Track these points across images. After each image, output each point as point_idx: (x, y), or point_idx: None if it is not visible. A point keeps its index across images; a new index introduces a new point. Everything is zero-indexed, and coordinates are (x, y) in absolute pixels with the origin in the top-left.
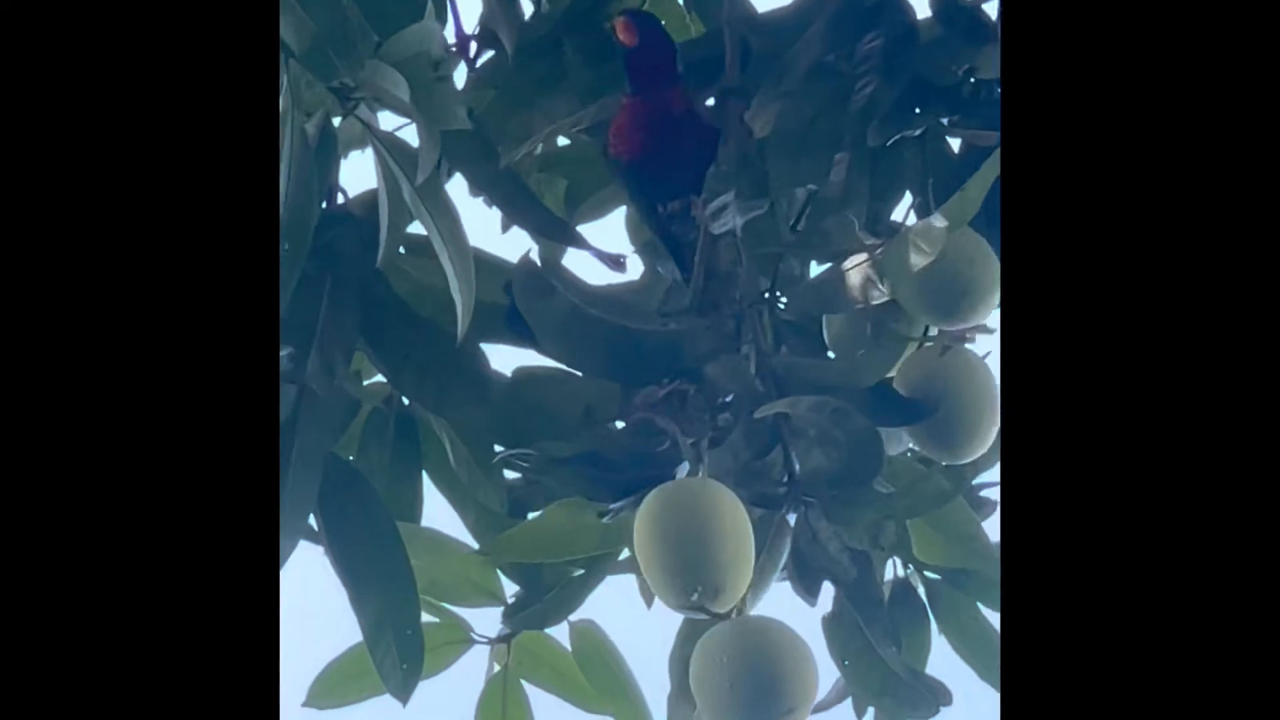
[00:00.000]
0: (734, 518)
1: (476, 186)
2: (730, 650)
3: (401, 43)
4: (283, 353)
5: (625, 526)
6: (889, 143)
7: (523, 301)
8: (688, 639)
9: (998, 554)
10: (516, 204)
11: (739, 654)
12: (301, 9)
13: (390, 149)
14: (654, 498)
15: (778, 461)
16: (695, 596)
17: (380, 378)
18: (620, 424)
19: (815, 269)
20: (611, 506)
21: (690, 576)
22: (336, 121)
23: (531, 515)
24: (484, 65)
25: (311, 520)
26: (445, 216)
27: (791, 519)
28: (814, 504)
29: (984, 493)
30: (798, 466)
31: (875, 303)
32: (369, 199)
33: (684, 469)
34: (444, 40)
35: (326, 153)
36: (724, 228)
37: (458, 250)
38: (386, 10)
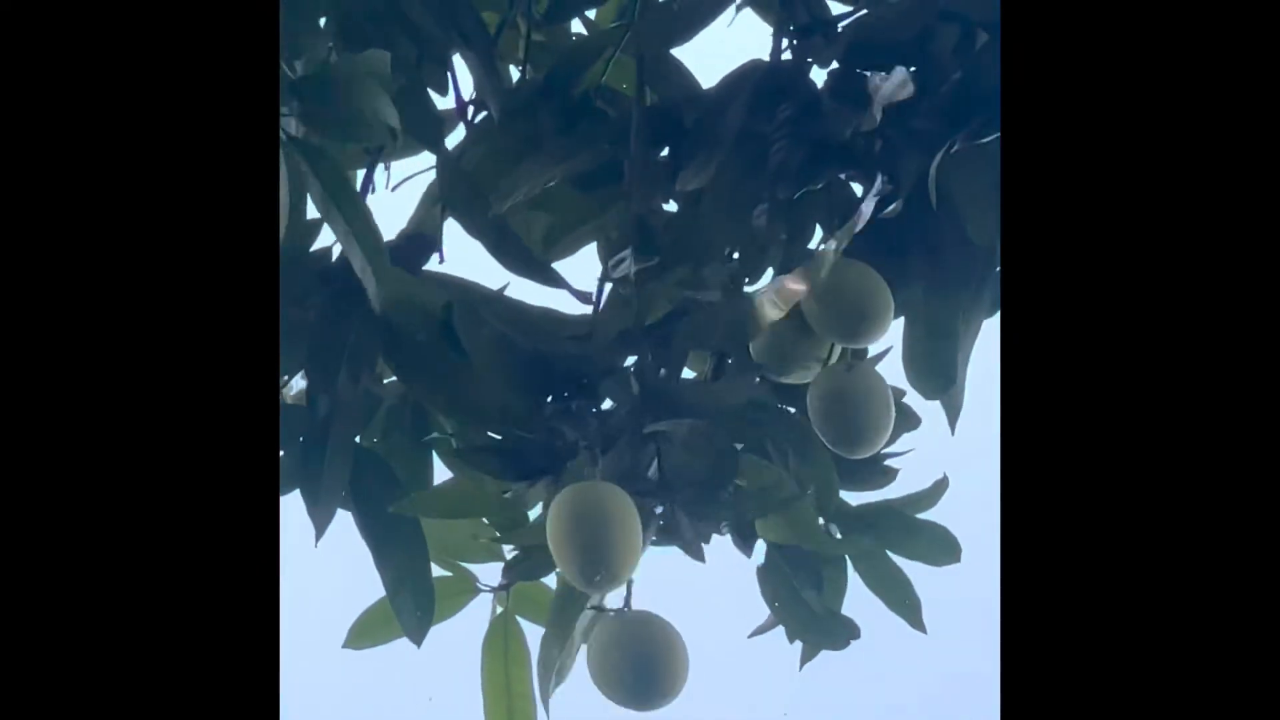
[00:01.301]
0: (627, 514)
1: (470, 231)
2: (618, 642)
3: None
4: (287, 381)
5: (521, 503)
6: (797, 196)
7: (459, 325)
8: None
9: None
10: (503, 247)
11: (626, 645)
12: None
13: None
14: (562, 498)
15: (652, 464)
16: (598, 578)
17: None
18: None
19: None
20: (513, 485)
21: (594, 562)
22: None
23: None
24: (476, 126)
25: None
26: (355, 214)
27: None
28: (678, 499)
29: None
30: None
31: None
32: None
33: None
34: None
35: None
36: (620, 274)
37: (368, 242)
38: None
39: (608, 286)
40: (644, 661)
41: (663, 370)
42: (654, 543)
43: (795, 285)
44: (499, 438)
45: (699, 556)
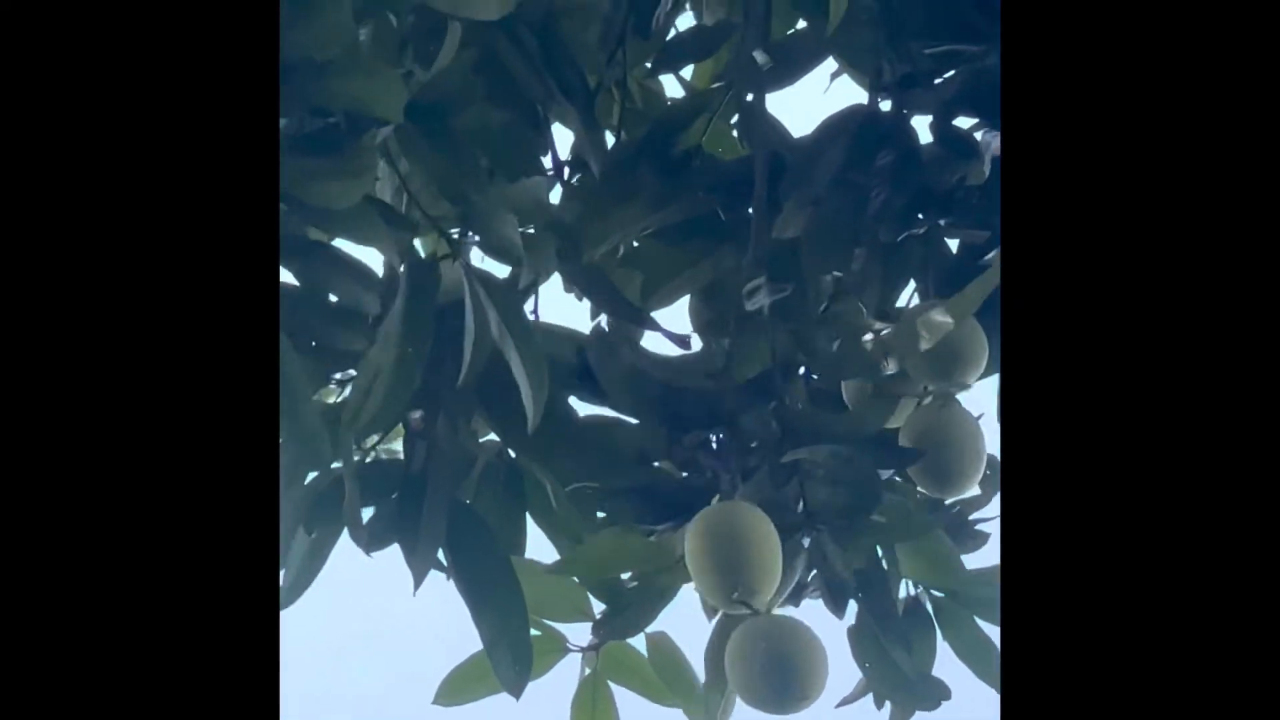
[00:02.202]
0: (765, 532)
1: (569, 282)
2: (759, 640)
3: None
4: (414, 415)
5: (670, 546)
6: (898, 239)
7: (594, 360)
8: (720, 635)
9: (976, 574)
10: (601, 295)
11: (766, 644)
12: (427, 146)
13: (482, 283)
14: (701, 517)
15: (796, 495)
16: (736, 595)
17: (493, 435)
18: (667, 462)
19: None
20: (658, 528)
21: (731, 579)
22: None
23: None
24: (576, 184)
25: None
26: (526, 343)
27: (805, 542)
28: (824, 530)
29: (979, 527)
30: (811, 500)
31: (887, 372)
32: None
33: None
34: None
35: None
36: (755, 306)
37: (534, 368)
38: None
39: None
40: (783, 662)
41: (800, 404)
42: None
43: (940, 318)
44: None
45: (842, 604)
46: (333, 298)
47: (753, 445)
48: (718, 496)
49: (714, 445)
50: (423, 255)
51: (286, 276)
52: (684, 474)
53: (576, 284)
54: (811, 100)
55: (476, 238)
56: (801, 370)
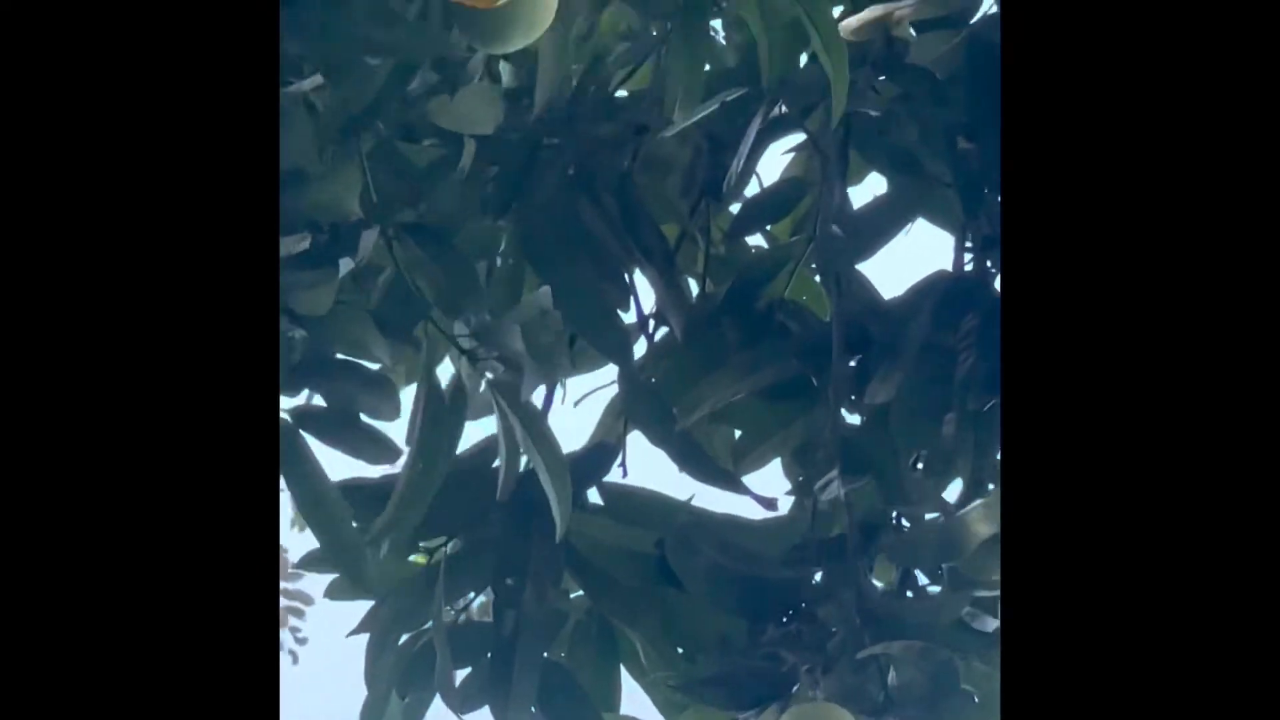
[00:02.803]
0: None
1: (654, 442)
2: None
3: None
4: (509, 582)
5: None
6: (987, 407)
7: (672, 558)
8: None
9: None
10: (688, 458)
11: None
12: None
13: (503, 395)
14: (790, 716)
15: (877, 680)
16: None
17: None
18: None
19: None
20: (740, 717)
21: None
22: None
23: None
24: (659, 340)
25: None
26: (549, 452)
27: None
28: (906, 716)
29: None
30: (892, 686)
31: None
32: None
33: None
34: None
35: (460, 410)
36: (829, 497)
37: (558, 477)
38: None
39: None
40: None
41: (880, 587)
42: None
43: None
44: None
45: None
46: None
47: (833, 632)
48: (798, 686)
49: (794, 634)
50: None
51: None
52: (761, 663)
53: (666, 449)
54: (898, 247)
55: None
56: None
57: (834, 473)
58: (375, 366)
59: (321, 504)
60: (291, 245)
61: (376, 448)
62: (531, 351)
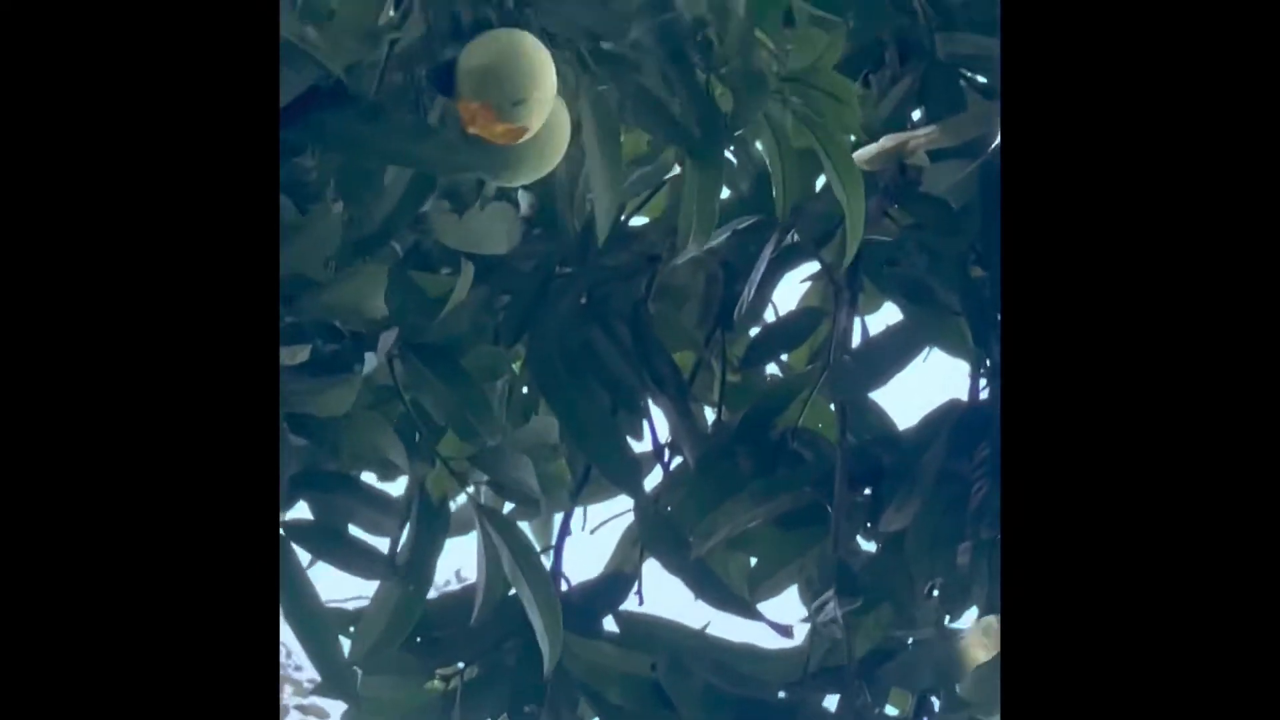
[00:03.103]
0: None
1: (670, 570)
2: None
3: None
4: (526, 709)
5: None
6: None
7: (666, 681)
8: None
9: None
10: (704, 585)
11: None
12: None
13: (493, 521)
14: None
15: None
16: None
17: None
18: None
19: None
20: None
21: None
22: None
23: None
24: (674, 469)
25: None
26: (538, 583)
27: None
28: None
29: None
30: None
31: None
32: None
33: None
34: None
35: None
36: (827, 619)
37: (547, 609)
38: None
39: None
40: None
41: (877, 710)
42: None
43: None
44: None
45: None
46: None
47: None
48: None
49: None
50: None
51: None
52: None
53: (682, 577)
54: (912, 376)
55: (485, 476)
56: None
57: (830, 595)
58: (370, 479)
59: (315, 628)
60: (295, 354)
61: (369, 562)
62: (542, 483)
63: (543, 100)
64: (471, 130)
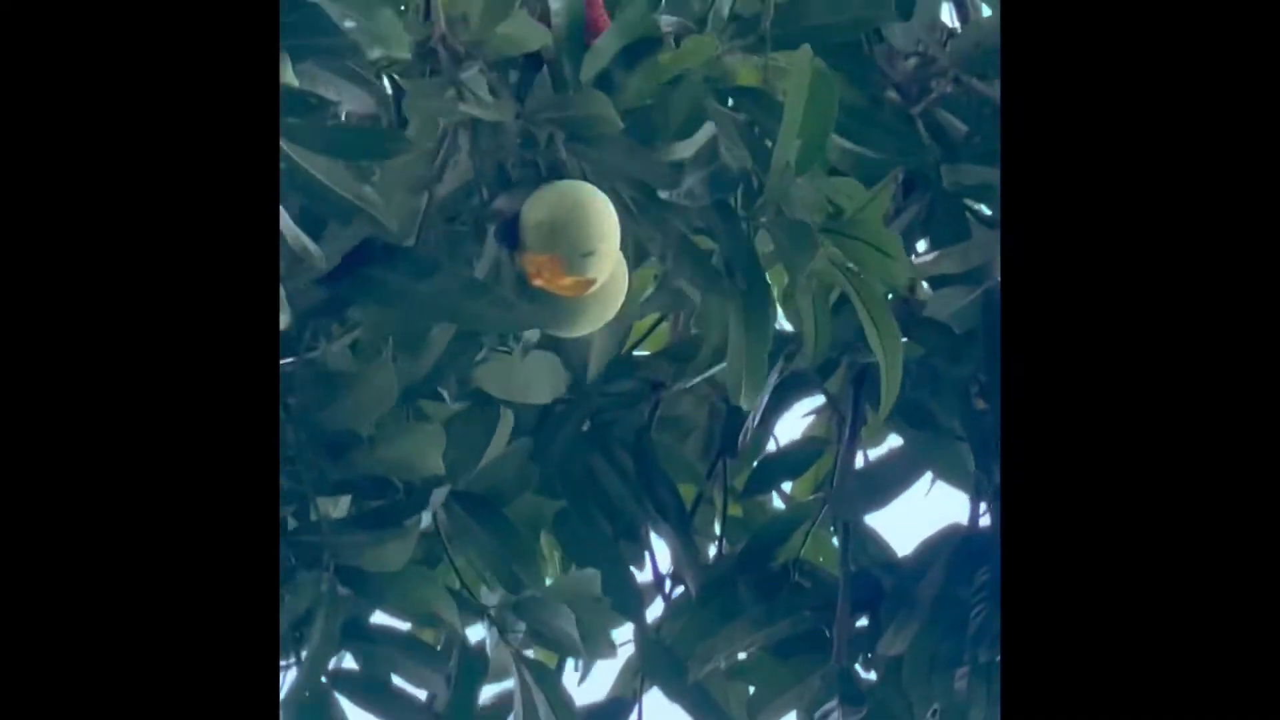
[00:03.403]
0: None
1: (670, 697)
2: None
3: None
4: None
5: None
6: (999, 658)
7: None
8: None
9: None
10: (704, 712)
11: None
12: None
13: (531, 670)
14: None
15: None
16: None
17: None
18: None
19: None
20: None
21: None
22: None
23: None
24: (676, 598)
25: None
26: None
27: None
28: None
29: None
30: None
31: None
32: None
33: None
34: None
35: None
36: None
37: None
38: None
39: None
40: None
41: None
42: None
43: None
44: None
45: None
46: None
47: None
48: None
49: None
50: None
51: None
52: None
53: (680, 702)
54: (914, 502)
55: (523, 625)
56: None
57: (833, 703)
58: (407, 628)
59: None
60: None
61: (411, 712)
62: (583, 633)
63: (609, 252)
64: (537, 283)
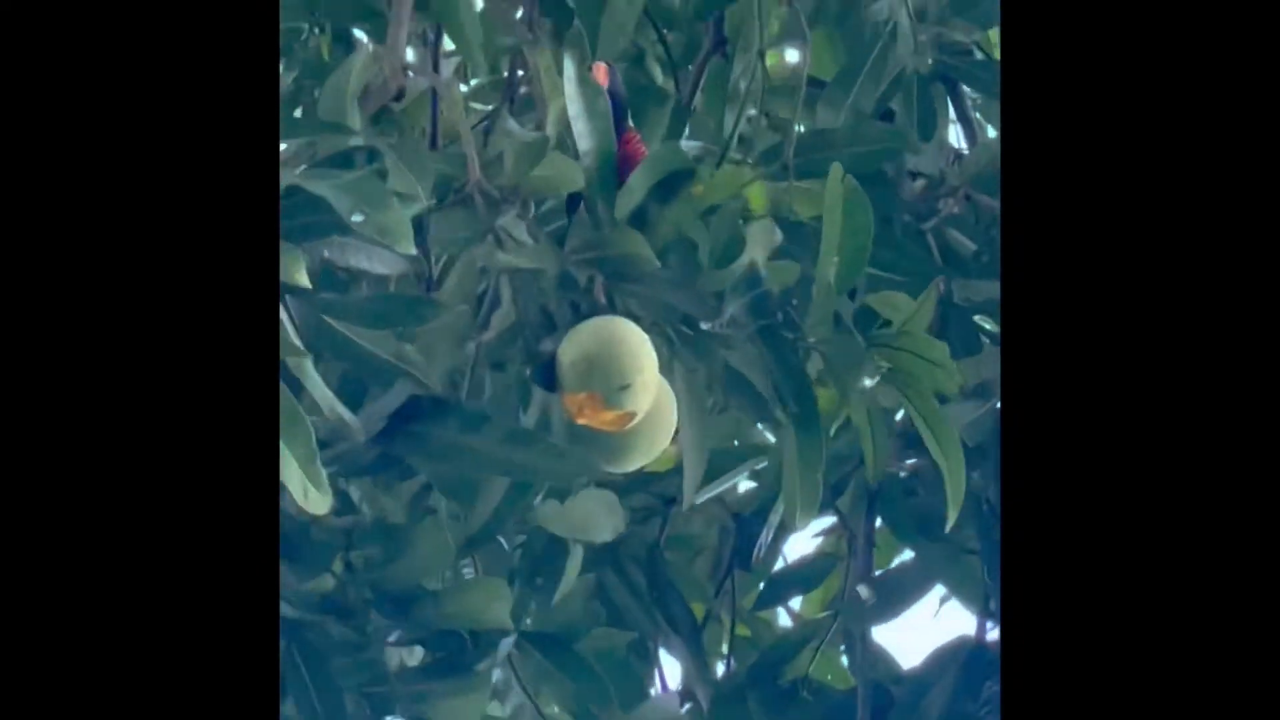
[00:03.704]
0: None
1: None
2: None
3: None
4: None
5: None
6: None
7: None
8: None
9: None
10: None
11: None
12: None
13: None
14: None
15: None
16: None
17: None
18: None
19: None
20: None
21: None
22: None
23: None
24: (685, 714)
25: None
26: None
27: None
28: None
29: None
30: None
31: None
32: None
33: None
34: None
35: None
36: None
37: None
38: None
39: None
40: None
41: None
42: None
43: None
44: None
45: None
46: None
47: None
48: None
49: None
50: None
51: None
52: None
53: None
54: (923, 620)
55: None
56: None
57: None
58: None
59: None
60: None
61: None
62: None
63: (647, 383)
64: (580, 421)
